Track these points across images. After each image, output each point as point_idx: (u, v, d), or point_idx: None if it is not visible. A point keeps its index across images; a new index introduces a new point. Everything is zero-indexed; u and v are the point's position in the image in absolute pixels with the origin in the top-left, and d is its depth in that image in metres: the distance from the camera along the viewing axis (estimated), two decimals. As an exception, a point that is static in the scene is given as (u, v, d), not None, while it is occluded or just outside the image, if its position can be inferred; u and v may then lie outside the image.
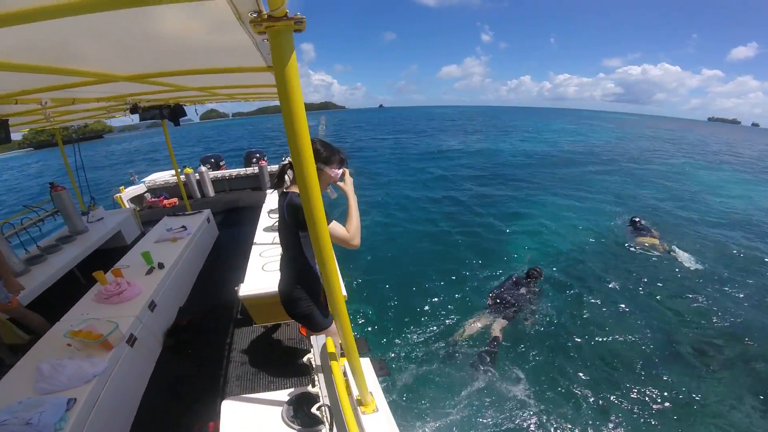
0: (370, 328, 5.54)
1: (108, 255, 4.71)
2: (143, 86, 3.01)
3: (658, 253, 7.78)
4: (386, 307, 6.05)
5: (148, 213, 7.90)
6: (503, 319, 5.31)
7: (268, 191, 6.39)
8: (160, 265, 3.88)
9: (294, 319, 2.37)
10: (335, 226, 1.94)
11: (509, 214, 10.85)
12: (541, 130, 45.61)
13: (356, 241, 1.99)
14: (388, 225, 10.11)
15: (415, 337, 5.29)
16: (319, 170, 2.03)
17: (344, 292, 3.22)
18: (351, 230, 1.97)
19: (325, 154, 2.02)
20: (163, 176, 9.43)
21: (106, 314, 2.94)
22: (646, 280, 6.76)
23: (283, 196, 2.05)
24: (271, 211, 5.26)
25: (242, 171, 9.98)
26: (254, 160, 10.24)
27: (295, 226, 1.99)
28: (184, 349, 3.46)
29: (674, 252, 7.75)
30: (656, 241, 8.14)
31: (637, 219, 9.10)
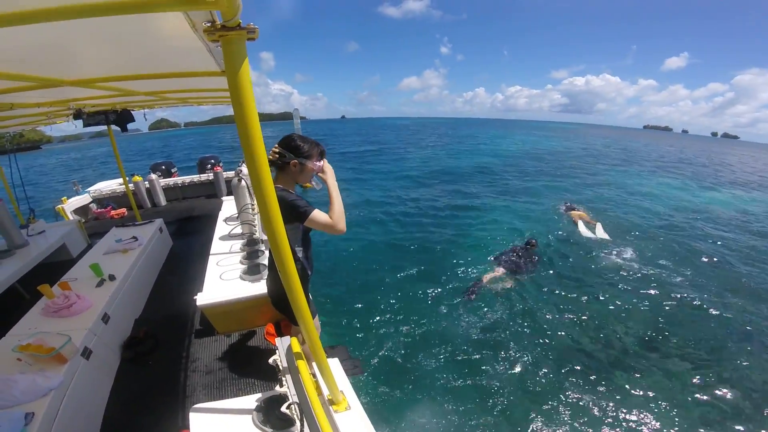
0: (340, 330, 5.67)
1: (53, 269, 4.45)
2: (88, 90, 2.94)
3: (584, 224, 10.43)
4: (352, 309, 6.18)
5: (95, 225, 7.49)
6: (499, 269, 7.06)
7: (224, 198, 6.27)
8: (111, 277, 3.73)
9: (286, 316, 2.41)
10: (318, 214, 1.99)
11: (468, 215, 12.05)
12: (495, 140, 48.00)
13: (340, 225, 2.04)
14: (355, 231, 10.25)
15: (383, 333, 5.50)
16: (302, 165, 2.10)
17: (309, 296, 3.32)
18: (334, 216, 2.02)
19: (306, 148, 2.08)
20: (110, 185, 8.97)
21: (56, 328, 2.81)
22: (577, 247, 9.20)
23: None
24: (228, 219, 5.19)
25: (196, 178, 9.66)
26: (209, 166, 9.92)
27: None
28: (144, 360, 3.36)
29: (596, 222, 10.58)
30: (584, 214, 11.32)
31: (569, 203, 12.72)
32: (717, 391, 4.66)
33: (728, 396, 4.59)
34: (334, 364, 2.34)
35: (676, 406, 4.40)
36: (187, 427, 1.98)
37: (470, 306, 6.25)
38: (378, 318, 5.91)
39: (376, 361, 4.99)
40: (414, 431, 3.99)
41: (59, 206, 7.33)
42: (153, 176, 8.79)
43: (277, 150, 2.10)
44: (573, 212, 11.47)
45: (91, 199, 8.33)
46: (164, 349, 3.48)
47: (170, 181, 9.51)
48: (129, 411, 2.84)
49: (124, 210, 8.19)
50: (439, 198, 14.40)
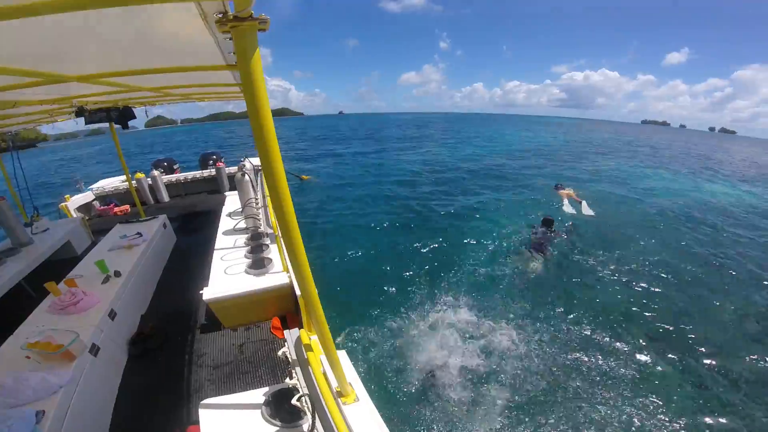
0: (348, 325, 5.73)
1: (58, 266, 4.47)
2: (92, 87, 2.93)
3: (572, 201, 11.92)
4: (359, 302, 6.28)
5: (99, 222, 7.51)
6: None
7: (227, 194, 6.28)
8: (117, 273, 3.75)
9: None
10: None
11: (472, 206, 12.31)
12: (494, 137, 47.87)
13: None
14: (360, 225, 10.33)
15: (388, 325, 5.58)
16: None
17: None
18: None
19: None
20: (112, 182, 8.97)
21: (63, 325, 2.83)
22: (560, 218, 10.38)
23: None
24: (231, 214, 5.20)
25: (198, 174, 9.68)
26: (211, 162, 9.95)
27: None
28: (153, 356, 3.38)
29: (582, 200, 11.86)
30: (572, 193, 12.62)
31: (559, 184, 14.03)
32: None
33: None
34: (343, 357, 2.33)
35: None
36: (197, 422, 1.99)
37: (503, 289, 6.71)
38: (396, 308, 6.04)
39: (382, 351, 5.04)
40: (424, 423, 4.02)
41: (62, 204, 7.34)
42: (155, 173, 8.81)
43: None
44: (562, 191, 12.84)
45: (94, 197, 8.35)
46: (171, 345, 3.50)
47: (173, 177, 9.52)
48: (138, 407, 2.86)
49: (127, 207, 8.20)
50: (444, 190, 14.58)
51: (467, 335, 5.34)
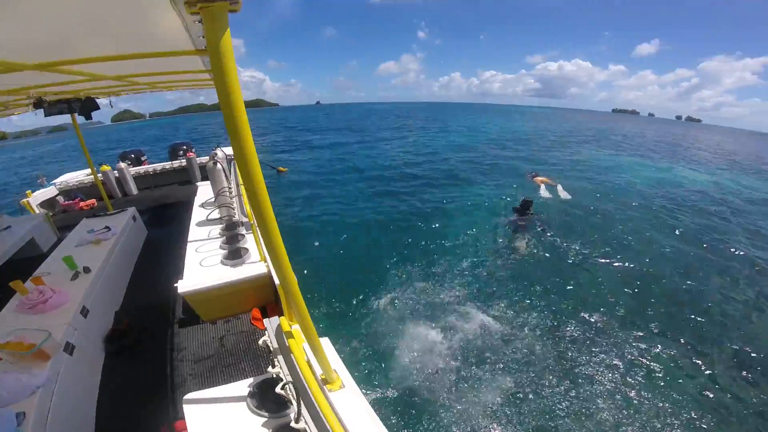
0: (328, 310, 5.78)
1: (23, 264, 4.28)
2: (50, 76, 2.80)
3: (548, 186, 12.67)
4: (342, 290, 6.32)
5: (64, 217, 7.22)
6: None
7: (199, 184, 6.13)
8: (86, 269, 3.63)
9: None
10: None
11: (452, 194, 12.58)
12: (473, 126, 48.30)
13: None
14: (334, 215, 10.33)
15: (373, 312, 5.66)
16: None
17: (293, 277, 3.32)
18: None
19: None
20: (77, 176, 8.60)
21: (33, 324, 2.73)
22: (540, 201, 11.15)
23: None
24: (204, 204, 5.09)
25: (168, 165, 9.40)
26: (181, 152, 9.65)
27: None
28: (131, 353, 3.32)
29: (557, 184, 12.72)
30: (547, 179, 13.29)
31: (534, 171, 14.67)
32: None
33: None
34: (326, 344, 2.34)
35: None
36: (181, 417, 1.97)
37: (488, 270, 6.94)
38: (377, 297, 6.08)
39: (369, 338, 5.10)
40: (411, 408, 4.09)
41: (24, 200, 6.98)
42: (122, 165, 8.50)
43: None
44: (537, 178, 13.59)
45: (57, 192, 7.99)
46: (149, 340, 3.44)
47: (141, 169, 9.21)
48: (121, 405, 2.81)
49: (93, 201, 7.91)
50: (424, 179, 14.75)
51: (453, 319, 5.44)
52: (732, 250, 8.63)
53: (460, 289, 6.27)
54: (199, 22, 1.00)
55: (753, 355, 5.18)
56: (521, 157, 21.02)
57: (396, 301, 5.91)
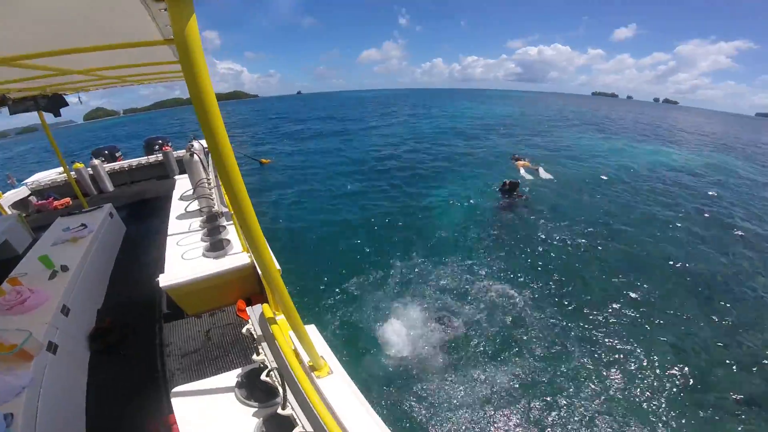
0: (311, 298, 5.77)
1: None
2: (12, 71, 2.70)
3: (525, 169, 13.10)
4: (329, 278, 6.33)
5: (38, 217, 7.02)
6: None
7: (177, 177, 6.03)
8: (64, 268, 3.57)
9: None
10: None
11: (438, 179, 12.79)
12: (455, 112, 48.35)
13: None
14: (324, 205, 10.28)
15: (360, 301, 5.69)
16: None
17: (278, 265, 3.31)
18: None
19: None
20: (49, 175, 8.34)
21: (12, 325, 2.69)
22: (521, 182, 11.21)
23: None
24: (183, 197, 5.02)
25: (144, 160, 9.17)
26: (157, 146, 9.46)
27: None
28: (116, 350, 3.30)
29: (538, 167, 13.13)
30: (527, 163, 13.82)
31: (516, 155, 15.04)
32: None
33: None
34: (312, 331, 2.35)
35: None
36: (171, 411, 1.96)
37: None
38: (363, 282, 6.14)
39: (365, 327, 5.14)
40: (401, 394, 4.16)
41: None
42: (96, 161, 8.26)
43: None
44: (518, 162, 14.14)
45: (29, 192, 7.75)
46: (134, 337, 3.42)
47: (116, 165, 8.98)
48: (110, 402, 2.81)
49: (68, 199, 7.70)
50: (409, 165, 14.86)
51: (441, 303, 5.53)
52: (725, 224, 9.23)
53: (447, 273, 6.37)
54: (165, 10, 1.00)
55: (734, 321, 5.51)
56: (504, 142, 21.33)
57: (385, 287, 5.97)
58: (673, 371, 4.59)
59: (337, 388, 1.99)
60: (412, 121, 35.03)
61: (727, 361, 4.83)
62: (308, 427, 1.77)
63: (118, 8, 1.44)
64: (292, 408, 1.86)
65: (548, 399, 4.15)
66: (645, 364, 4.68)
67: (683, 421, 3.97)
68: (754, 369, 4.73)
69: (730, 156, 21.60)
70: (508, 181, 10.02)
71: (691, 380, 4.50)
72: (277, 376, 1.94)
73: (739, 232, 8.93)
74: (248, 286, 3.65)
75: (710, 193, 12.31)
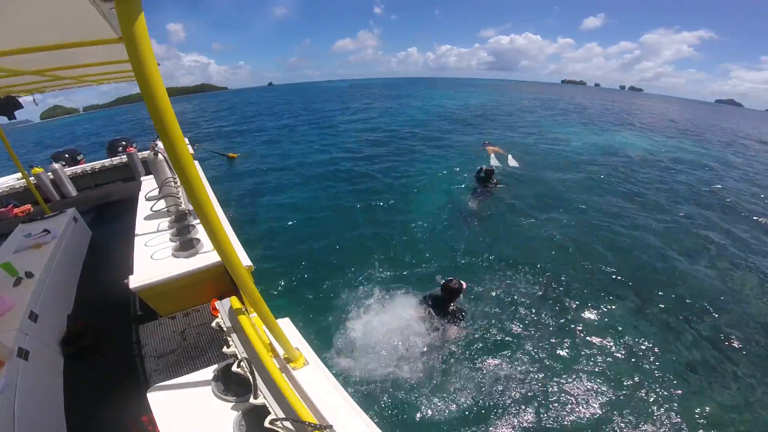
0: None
1: None
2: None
3: (498, 155, 13.49)
4: (303, 271, 6.28)
5: None
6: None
7: (144, 179, 5.89)
8: (29, 274, 3.48)
9: None
10: None
11: (413, 168, 12.79)
12: (430, 101, 48.51)
13: None
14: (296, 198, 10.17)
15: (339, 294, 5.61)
16: None
17: (248, 262, 3.30)
18: None
19: None
20: (6, 182, 8.01)
21: None
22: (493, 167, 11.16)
23: None
24: (149, 197, 4.92)
25: (108, 162, 8.92)
26: (120, 148, 9.29)
27: None
28: (89, 354, 3.28)
29: (507, 153, 13.53)
30: (498, 149, 14.20)
31: (487, 141, 15.45)
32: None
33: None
34: (285, 324, 2.39)
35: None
36: (149, 411, 1.95)
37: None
38: (338, 279, 6.04)
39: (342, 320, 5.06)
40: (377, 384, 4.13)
41: None
42: (56, 165, 7.96)
43: None
44: (489, 148, 14.45)
45: None
46: (109, 340, 3.39)
47: (77, 168, 8.68)
48: (88, 406, 2.80)
49: (28, 206, 7.40)
50: (380, 156, 14.72)
51: (421, 292, 5.39)
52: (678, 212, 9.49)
53: (424, 262, 6.40)
54: (113, 9, 0.98)
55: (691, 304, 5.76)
56: (476, 129, 21.56)
57: (361, 280, 5.93)
58: (644, 353, 4.72)
59: (314, 379, 2.03)
60: (387, 110, 34.64)
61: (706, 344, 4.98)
62: (281, 414, 1.79)
63: (69, 7, 1.43)
64: (264, 397, 1.89)
65: (527, 390, 4.14)
66: (630, 353, 4.75)
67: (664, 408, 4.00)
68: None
69: (698, 140, 22.85)
70: (483, 168, 10.07)
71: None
72: (247, 365, 1.95)
73: (710, 213, 9.49)
74: (222, 285, 3.64)
75: (679, 177, 12.92)
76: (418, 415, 3.83)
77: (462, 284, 4.64)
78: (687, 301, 5.84)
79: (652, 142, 20.36)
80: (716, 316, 5.52)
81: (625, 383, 4.30)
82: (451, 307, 4.75)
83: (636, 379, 4.37)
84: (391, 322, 4.82)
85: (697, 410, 4.01)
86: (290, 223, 8.43)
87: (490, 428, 3.73)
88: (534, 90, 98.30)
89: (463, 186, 10.45)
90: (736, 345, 5.00)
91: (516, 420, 3.81)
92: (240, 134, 23.30)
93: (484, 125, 23.68)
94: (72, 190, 8.21)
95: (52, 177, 7.92)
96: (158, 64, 1.09)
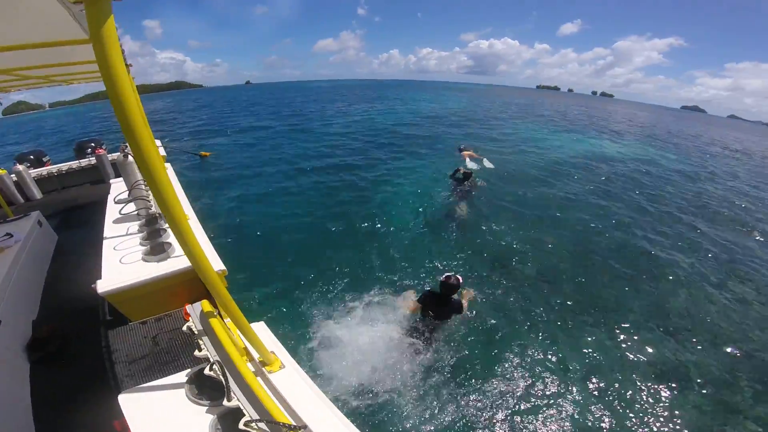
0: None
1: None
2: None
3: (470, 159, 13.72)
4: (278, 275, 6.22)
5: None
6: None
7: (113, 181, 5.71)
8: (-10, 280, 3.39)
9: None
10: None
11: (391, 172, 12.91)
12: (409, 104, 48.74)
13: None
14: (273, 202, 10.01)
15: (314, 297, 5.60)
16: None
17: (222, 266, 3.28)
18: None
19: None
20: None
21: None
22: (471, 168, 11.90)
23: None
24: (118, 200, 4.80)
25: (75, 164, 8.63)
26: (89, 150, 9.00)
27: None
28: (57, 360, 3.21)
29: (482, 157, 14.00)
30: (473, 152, 14.51)
31: (462, 145, 15.60)
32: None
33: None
34: (260, 328, 2.39)
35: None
36: (120, 414, 1.92)
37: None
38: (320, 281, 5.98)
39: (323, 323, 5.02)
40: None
41: None
42: (20, 167, 7.63)
43: None
44: (464, 152, 14.78)
45: None
46: (78, 345, 3.33)
47: (43, 170, 8.36)
48: (59, 412, 2.74)
49: None
50: (360, 158, 14.79)
51: (395, 296, 5.43)
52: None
53: (403, 265, 6.42)
54: (83, 10, 1.05)
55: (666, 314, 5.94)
56: (454, 132, 22.21)
57: (337, 284, 5.88)
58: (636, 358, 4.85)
59: (291, 381, 2.03)
60: (366, 112, 34.65)
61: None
62: (255, 416, 1.80)
63: (37, 8, 1.42)
64: (238, 399, 1.89)
65: (509, 397, 4.17)
66: (617, 356, 4.88)
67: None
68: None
69: (664, 145, 24.59)
70: (462, 169, 10.40)
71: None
72: (219, 368, 1.94)
73: (681, 215, 10.20)
74: (195, 289, 3.56)
75: (643, 180, 13.71)
76: (398, 417, 3.86)
77: (459, 279, 4.73)
78: (672, 302, 6.15)
79: (621, 147, 21.48)
80: (691, 319, 5.80)
81: (603, 386, 4.40)
82: (452, 300, 4.83)
83: (616, 379, 4.50)
84: (370, 328, 4.76)
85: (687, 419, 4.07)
86: (261, 221, 8.36)
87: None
88: (510, 94, 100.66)
89: (439, 189, 10.58)
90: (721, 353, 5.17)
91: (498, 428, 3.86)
92: (214, 132, 22.83)
93: (461, 128, 24.41)
94: (37, 193, 7.91)
95: (15, 179, 7.61)
96: (129, 65, 1.11)
